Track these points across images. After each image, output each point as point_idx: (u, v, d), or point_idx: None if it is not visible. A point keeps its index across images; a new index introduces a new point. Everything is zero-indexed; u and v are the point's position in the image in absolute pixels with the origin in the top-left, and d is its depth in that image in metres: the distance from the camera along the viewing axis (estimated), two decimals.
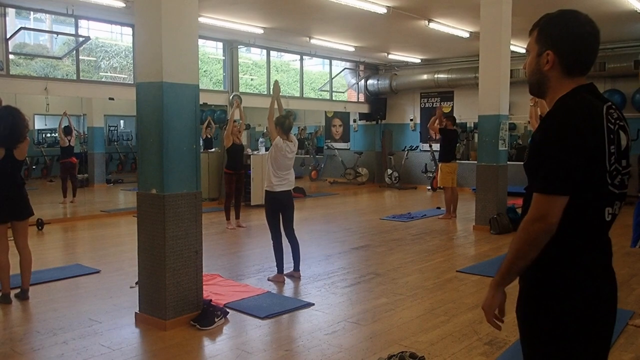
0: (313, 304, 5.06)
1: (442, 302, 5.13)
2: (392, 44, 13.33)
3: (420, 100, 15.96)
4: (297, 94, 15.05)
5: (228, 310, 4.79)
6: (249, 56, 18.33)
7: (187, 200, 4.50)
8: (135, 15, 4.59)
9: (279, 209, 5.90)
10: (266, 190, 5.91)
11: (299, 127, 17.76)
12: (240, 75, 13.33)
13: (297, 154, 6.09)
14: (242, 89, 13.76)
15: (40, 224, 8.79)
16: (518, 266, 1.76)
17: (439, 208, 11.27)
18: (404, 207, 11.50)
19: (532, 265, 1.76)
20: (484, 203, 8.86)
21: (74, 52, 10.85)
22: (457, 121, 11.33)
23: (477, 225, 8.97)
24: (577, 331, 1.73)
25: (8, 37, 9.40)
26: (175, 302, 4.44)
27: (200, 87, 4.71)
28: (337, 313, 4.87)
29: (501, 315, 1.89)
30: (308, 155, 17.66)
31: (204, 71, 17.27)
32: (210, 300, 4.74)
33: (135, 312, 4.63)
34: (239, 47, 13.00)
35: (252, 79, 18.52)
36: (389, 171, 15.77)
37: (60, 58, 13.57)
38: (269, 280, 5.89)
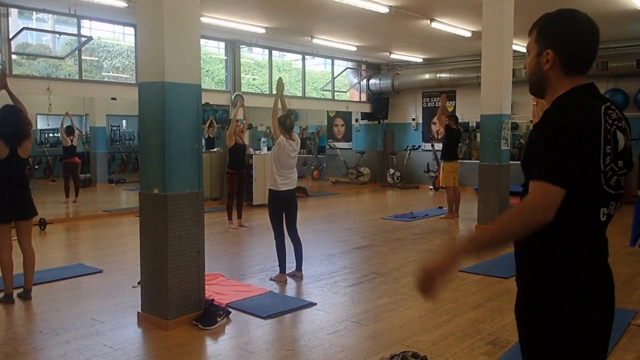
0: (315, 304, 5.06)
1: (444, 301, 5.11)
2: (394, 43, 13.31)
3: (423, 100, 15.94)
4: (299, 94, 15.04)
5: (230, 310, 4.78)
6: (251, 56, 18.33)
7: (189, 200, 4.50)
8: (137, 15, 4.59)
9: (283, 208, 5.90)
10: (270, 189, 5.90)
11: (300, 127, 17.76)
12: (242, 75, 13.33)
13: (299, 153, 6.08)
14: (244, 88, 13.78)
15: (42, 224, 8.80)
16: (499, 243, 1.71)
17: (441, 208, 11.24)
18: (406, 207, 11.50)
19: (529, 266, 1.76)
20: (486, 203, 8.84)
21: (77, 52, 10.88)
22: (460, 121, 11.31)
23: (479, 225, 8.94)
24: (576, 331, 1.73)
25: (11, 37, 9.43)
26: (177, 302, 4.44)
27: (202, 87, 4.72)
28: (339, 313, 4.87)
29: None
30: (310, 155, 17.67)
31: (206, 71, 17.29)
32: (213, 300, 4.74)
33: (138, 312, 4.64)
34: (241, 46, 13.00)
35: (254, 79, 18.52)
36: (391, 171, 15.76)
37: (62, 58, 13.60)
38: (271, 279, 5.89)
